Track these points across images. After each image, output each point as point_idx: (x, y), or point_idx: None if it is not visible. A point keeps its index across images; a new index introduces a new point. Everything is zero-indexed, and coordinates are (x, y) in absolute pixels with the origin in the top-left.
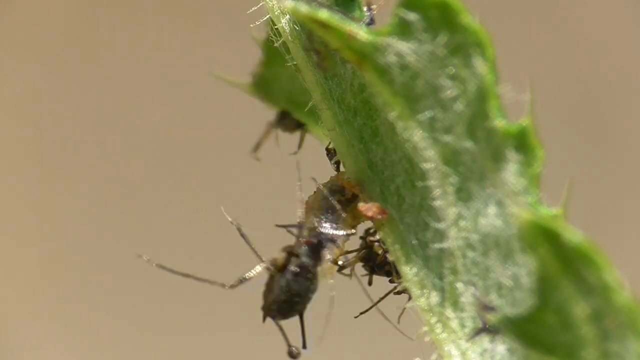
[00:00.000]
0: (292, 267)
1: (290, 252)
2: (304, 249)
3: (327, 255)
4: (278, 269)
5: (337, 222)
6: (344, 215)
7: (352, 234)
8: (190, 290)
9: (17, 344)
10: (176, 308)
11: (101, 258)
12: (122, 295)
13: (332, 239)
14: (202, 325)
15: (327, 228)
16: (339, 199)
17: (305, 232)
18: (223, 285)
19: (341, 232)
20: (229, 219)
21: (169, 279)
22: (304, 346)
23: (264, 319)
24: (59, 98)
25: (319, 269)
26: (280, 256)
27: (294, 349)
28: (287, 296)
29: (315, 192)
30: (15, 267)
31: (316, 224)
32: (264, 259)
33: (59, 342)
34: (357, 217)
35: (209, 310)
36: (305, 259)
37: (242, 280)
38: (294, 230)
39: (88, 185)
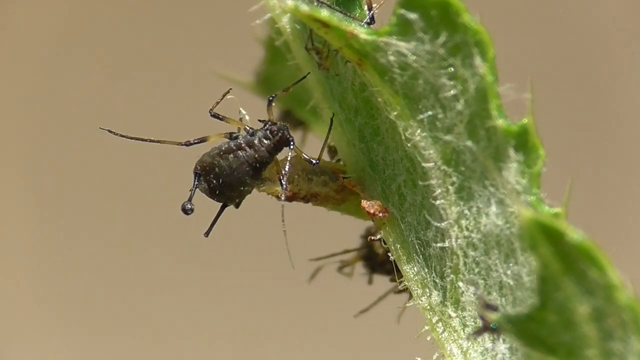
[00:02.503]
0: (242, 139)
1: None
2: (264, 130)
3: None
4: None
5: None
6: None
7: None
8: (189, 291)
9: (14, 344)
10: (174, 308)
11: (100, 258)
12: (120, 296)
13: (290, 142)
14: (200, 326)
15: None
16: None
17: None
18: (179, 143)
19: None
20: None
21: (167, 280)
22: (207, 234)
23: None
24: (58, 98)
25: (263, 168)
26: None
27: (188, 205)
28: (220, 163)
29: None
30: (12, 267)
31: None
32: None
33: (55, 342)
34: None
35: (207, 311)
36: (258, 141)
37: (200, 140)
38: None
39: (87, 185)
